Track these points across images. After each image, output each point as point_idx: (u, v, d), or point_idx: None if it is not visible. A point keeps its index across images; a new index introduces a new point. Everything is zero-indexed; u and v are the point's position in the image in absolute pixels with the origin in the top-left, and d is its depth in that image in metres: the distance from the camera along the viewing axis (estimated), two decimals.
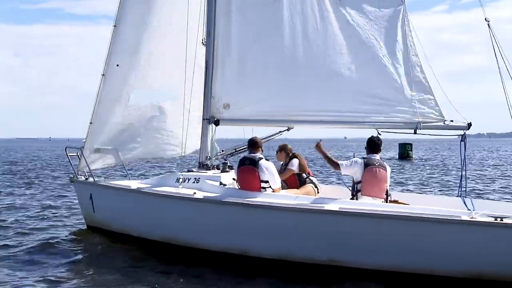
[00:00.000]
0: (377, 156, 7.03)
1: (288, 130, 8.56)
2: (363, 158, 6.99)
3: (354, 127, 8.34)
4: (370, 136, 7.25)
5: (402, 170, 26.98)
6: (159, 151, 9.12)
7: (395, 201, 7.23)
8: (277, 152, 8.20)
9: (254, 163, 7.29)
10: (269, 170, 7.31)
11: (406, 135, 8.55)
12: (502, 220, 6.02)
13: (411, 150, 40.21)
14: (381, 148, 7.13)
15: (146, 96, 9.15)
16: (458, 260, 6.18)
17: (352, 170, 6.96)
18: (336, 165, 7.08)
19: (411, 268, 6.35)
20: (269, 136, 8.61)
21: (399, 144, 41.18)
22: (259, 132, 8.77)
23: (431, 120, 7.86)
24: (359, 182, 6.90)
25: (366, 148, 7.16)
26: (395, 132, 8.18)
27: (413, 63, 7.90)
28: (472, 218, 6.15)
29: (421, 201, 7.64)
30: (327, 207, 6.63)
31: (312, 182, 7.94)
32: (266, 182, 7.30)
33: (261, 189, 7.22)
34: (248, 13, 8.32)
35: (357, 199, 6.92)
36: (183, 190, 7.58)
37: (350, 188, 7.15)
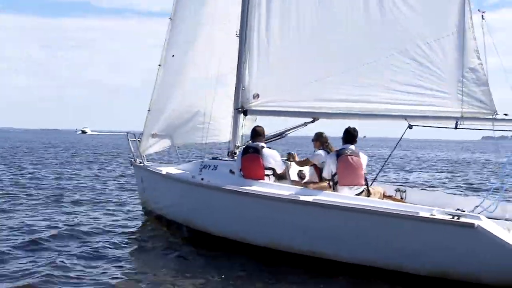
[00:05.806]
0: (351, 146, 6.91)
1: (313, 121, 8.32)
2: (336, 150, 6.94)
3: (383, 119, 7.75)
4: (346, 127, 7.09)
5: None
6: (202, 137, 9.44)
7: (390, 197, 6.70)
8: (312, 141, 8.01)
9: (257, 151, 7.35)
10: (272, 156, 7.40)
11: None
12: (459, 219, 5.44)
13: None
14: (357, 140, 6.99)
15: (196, 84, 9.40)
16: (420, 257, 5.73)
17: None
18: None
19: (380, 264, 6.01)
20: (293, 128, 8.45)
21: None
22: (289, 124, 8.67)
23: (477, 112, 6.97)
24: (335, 174, 6.79)
25: (342, 139, 7.03)
26: (430, 126, 7.42)
27: (469, 47, 7.07)
28: (431, 215, 5.63)
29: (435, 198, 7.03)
30: (302, 198, 6.42)
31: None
32: (270, 169, 7.32)
33: (265, 177, 7.27)
34: (278, 4, 8.27)
35: (336, 191, 6.74)
36: (199, 177, 7.87)
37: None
